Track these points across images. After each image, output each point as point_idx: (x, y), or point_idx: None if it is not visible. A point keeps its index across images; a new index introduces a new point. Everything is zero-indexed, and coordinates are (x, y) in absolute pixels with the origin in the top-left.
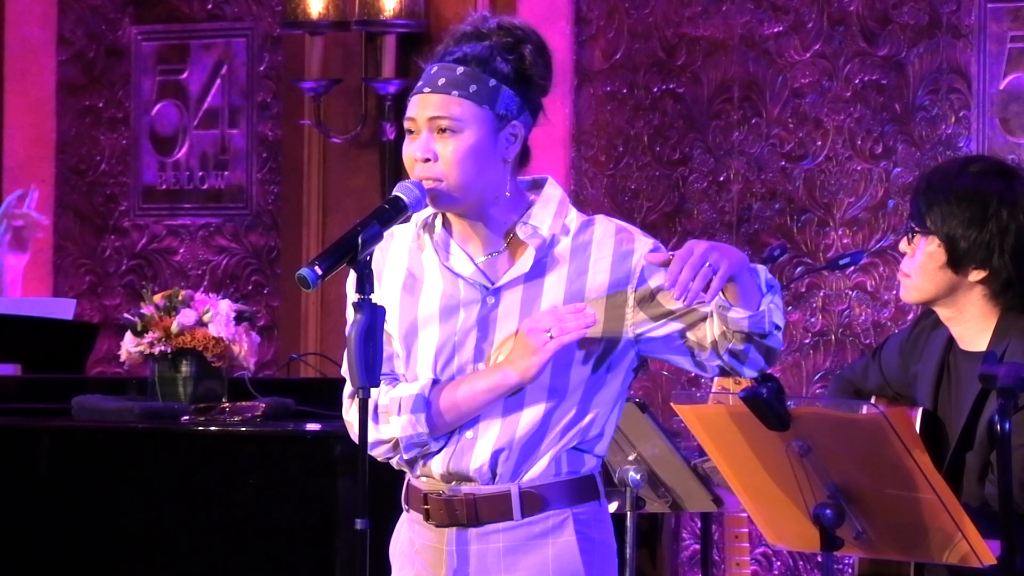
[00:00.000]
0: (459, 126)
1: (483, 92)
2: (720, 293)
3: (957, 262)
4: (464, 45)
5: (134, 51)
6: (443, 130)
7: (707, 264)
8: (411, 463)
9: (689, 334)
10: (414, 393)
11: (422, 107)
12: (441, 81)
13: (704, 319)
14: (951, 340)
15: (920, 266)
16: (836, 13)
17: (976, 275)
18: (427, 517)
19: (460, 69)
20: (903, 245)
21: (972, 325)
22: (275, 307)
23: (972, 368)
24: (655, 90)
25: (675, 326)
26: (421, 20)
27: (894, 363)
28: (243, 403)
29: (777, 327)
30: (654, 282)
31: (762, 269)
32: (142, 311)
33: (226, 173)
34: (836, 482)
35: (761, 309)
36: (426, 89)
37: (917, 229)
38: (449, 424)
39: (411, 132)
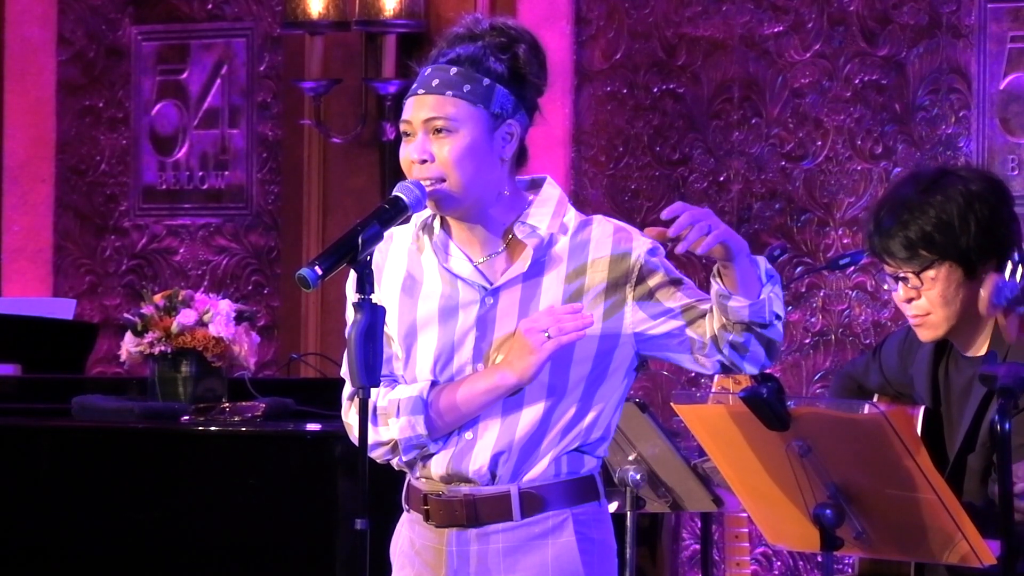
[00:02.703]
0: (454, 126)
1: (477, 91)
2: (719, 281)
3: (972, 268)
4: (457, 46)
5: (134, 51)
6: (438, 131)
7: (706, 222)
8: (411, 464)
9: (689, 331)
10: (412, 395)
11: (417, 109)
12: (435, 82)
13: (703, 316)
14: (940, 345)
15: (940, 296)
16: (836, 13)
17: (989, 269)
18: (427, 517)
19: (454, 69)
20: (902, 293)
21: (973, 331)
22: (275, 307)
23: (972, 372)
24: (655, 90)
25: (674, 323)
26: (421, 20)
27: (893, 362)
28: (243, 403)
29: (778, 317)
30: (652, 280)
31: (762, 260)
32: (142, 311)
33: (226, 173)
34: (836, 482)
35: (761, 298)
36: (420, 91)
37: (919, 268)
38: (448, 425)
39: (407, 135)
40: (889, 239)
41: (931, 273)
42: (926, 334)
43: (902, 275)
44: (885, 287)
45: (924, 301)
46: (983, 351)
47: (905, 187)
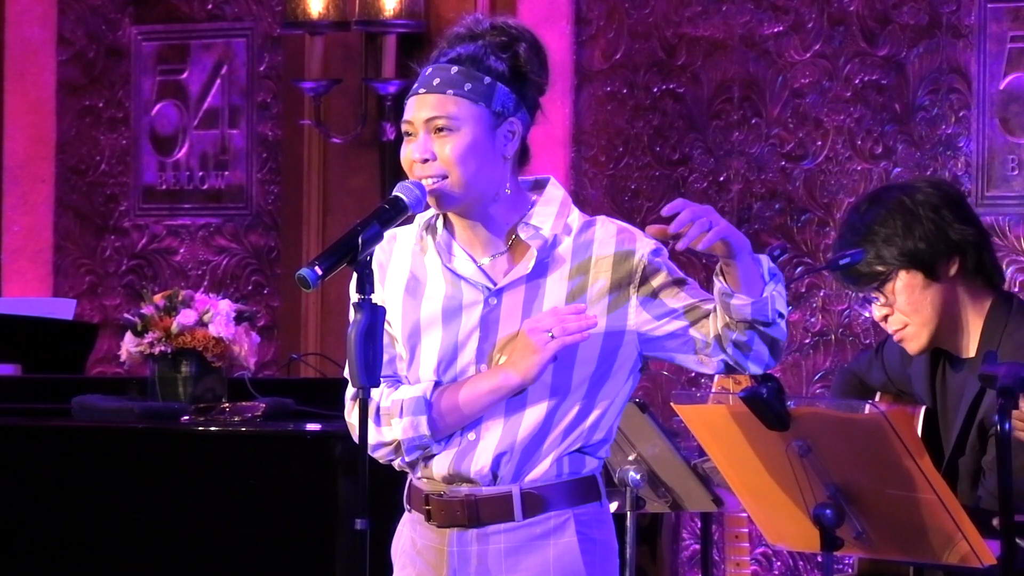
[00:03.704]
0: (456, 124)
1: (478, 90)
2: (722, 279)
3: (931, 268)
4: (458, 46)
5: (134, 51)
6: (440, 129)
7: (707, 218)
8: (412, 464)
9: (692, 331)
10: (416, 395)
11: (419, 108)
12: (436, 81)
13: (707, 315)
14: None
15: (908, 303)
16: (836, 13)
17: (952, 268)
18: (428, 518)
19: (455, 68)
20: (876, 313)
21: (963, 332)
22: (275, 307)
23: (965, 375)
24: (655, 90)
25: (678, 323)
26: (421, 20)
27: (895, 360)
28: (243, 403)
29: (780, 315)
30: (656, 281)
31: (765, 259)
32: (142, 311)
33: (226, 173)
34: (836, 482)
35: (764, 296)
36: (421, 90)
37: (878, 284)
38: (451, 426)
39: (408, 134)
40: (850, 262)
41: (890, 285)
42: (912, 346)
43: (871, 296)
44: (866, 315)
45: (897, 315)
46: (973, 353)
47: (851, 214)
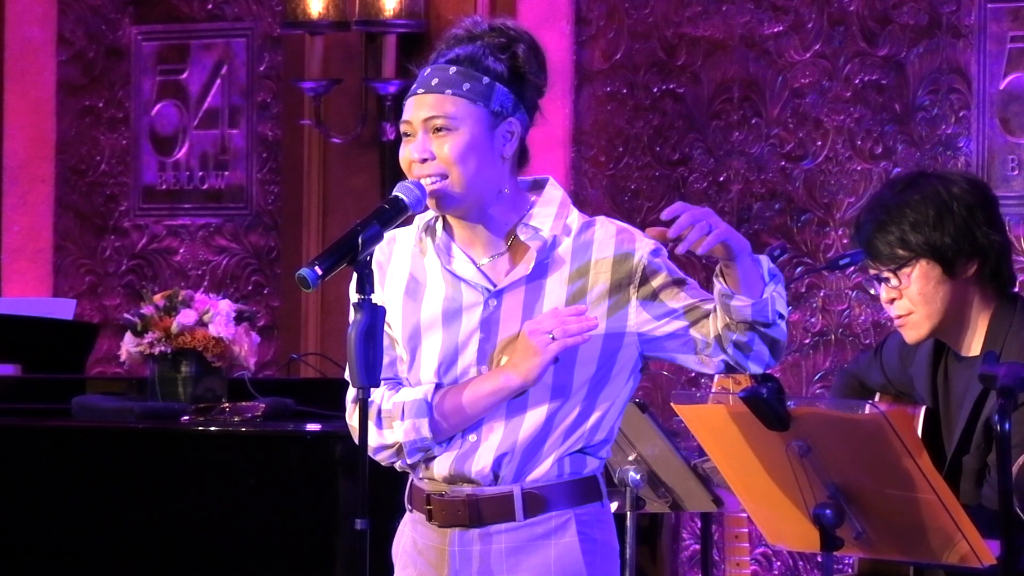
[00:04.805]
0: (454, 124)
1: (477, 90)
2: (722, 280)
3: (951, 264)
4: (456, 47)
5: (134, 51)
6: (439, 129)
7: (706, 221)
8: (414, 465)
9: (692, 331)
10: (417, 398)
11: (417, 108)
12: (434, 81)
13: (707, 316)
14: (939, 345)
15: (919, 293)
16: (836, 13)
17: (970, 268)
18: (430, 517)
19: (453, 69)
20: (884, 294)
21: (968, 331)
22: (275, 307)
23: (969, 373)
24: (655, 90)
25: (678, 324)
26: (421, 20)
27: (894, 362)
28: (243, 403)
29: (781, 316)
30: (656, 281)
31: (764, 259)
32: (142, 311)
33: (226, 173)
34: (836, 482)
35: (764, 297)
36: (420, 90)
37: (895, 266)
38: (452, 428)
39: (407, 135)
40: (868, 238)
41: (907, 271)
42: (910, 334)
43: (884, 276)
44: (872, 291)
45: (905, 300)
46: (977, 351)
47: (883, 190)
